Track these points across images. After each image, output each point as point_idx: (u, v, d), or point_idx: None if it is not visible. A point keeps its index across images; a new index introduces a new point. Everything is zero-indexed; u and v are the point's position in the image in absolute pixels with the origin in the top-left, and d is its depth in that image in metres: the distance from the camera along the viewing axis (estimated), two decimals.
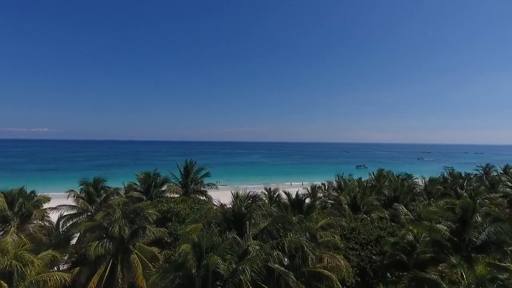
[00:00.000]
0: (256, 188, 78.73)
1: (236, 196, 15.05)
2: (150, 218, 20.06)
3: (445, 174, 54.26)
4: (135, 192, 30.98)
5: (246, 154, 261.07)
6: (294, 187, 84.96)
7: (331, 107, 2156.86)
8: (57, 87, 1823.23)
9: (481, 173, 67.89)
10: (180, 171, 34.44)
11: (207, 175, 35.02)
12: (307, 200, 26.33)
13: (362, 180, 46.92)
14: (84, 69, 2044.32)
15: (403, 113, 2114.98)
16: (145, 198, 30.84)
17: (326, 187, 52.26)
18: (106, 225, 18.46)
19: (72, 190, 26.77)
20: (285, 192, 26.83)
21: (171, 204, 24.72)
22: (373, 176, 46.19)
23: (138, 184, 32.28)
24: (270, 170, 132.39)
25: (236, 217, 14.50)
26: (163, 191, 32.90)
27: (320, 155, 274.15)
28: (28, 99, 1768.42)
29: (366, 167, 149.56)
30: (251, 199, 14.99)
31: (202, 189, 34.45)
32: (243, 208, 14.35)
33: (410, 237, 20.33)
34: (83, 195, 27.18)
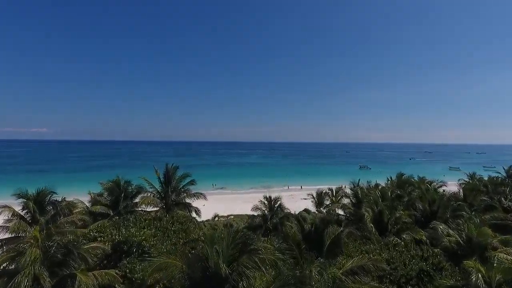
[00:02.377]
0: (255, 192, 72.11)
1: (210, 240, 8.16)
2: (90, 259, 13.26)
3: (467, 177, 47.81)
4: (99, 206, 24.10)
5: (245, 154, 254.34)
6: (291, 190, 77.57)
7: (331, 107, 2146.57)
8: (57, 87, 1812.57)
9: (503, 175, 61.42)
10: (159, 178, 27.47)
11: (192, 183, 27.67)
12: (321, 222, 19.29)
13: (374, 185, 40.19)
14: (84, 69, 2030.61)
15: (403, 113, 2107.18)
16: (111, 213, 24.14)
17: (334, 193, 45.59)
18: (12, 272, 11.71)
19: (6, 206, 19.75)
20: (295, 217, 19.69)
21: (131, 230, 17.75)
22: (393, 181, 39.17)
23: (104, 195, 25.48)
24: (269, 171, 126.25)
25: (213, 280, 7.77)
26: (136, 203, 26.07)
27: (320, 155, 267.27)
28: (28, 99, 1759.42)
29: (370, 168, 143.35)
30: (240, 244, 8.15)
31: (186, 200, 27.46)
32: (223, 267, 7.53)
33: (481, 283, 13.71)
34: (24, 212, 20.48)
